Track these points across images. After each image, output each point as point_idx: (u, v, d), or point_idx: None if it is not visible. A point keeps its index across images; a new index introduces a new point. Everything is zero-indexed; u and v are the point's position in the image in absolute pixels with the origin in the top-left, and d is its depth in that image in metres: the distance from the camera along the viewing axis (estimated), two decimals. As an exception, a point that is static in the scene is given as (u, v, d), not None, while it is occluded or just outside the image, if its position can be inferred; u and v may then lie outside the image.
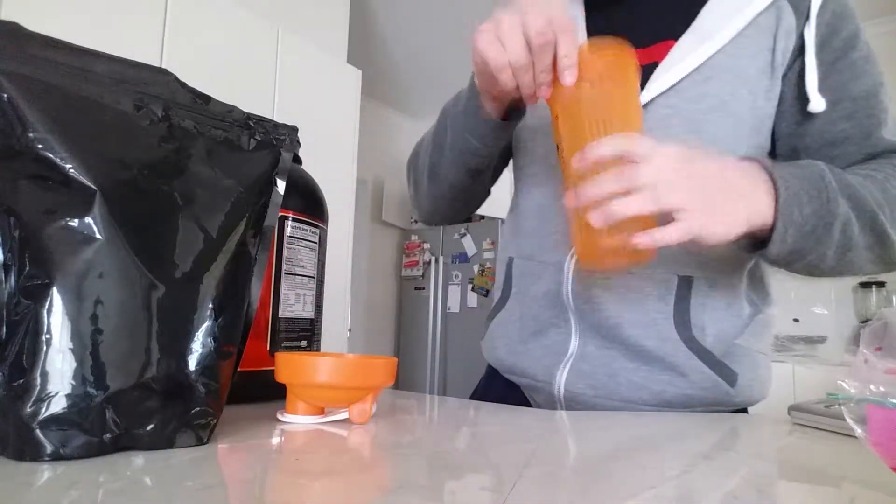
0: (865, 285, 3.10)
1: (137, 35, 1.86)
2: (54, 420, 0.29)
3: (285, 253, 0.56)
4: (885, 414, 0.25)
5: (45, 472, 0.27)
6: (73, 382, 0.30)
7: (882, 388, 0.25)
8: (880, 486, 0.30)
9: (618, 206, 0.45)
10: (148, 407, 0.32)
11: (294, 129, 0.43)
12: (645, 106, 0.60)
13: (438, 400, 0.64)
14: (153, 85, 0.36)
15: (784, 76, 0.60)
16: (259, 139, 0.41)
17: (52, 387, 0.29)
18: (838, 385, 0.27)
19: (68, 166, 0.31)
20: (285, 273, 0.55)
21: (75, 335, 0.30)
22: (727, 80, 0.58)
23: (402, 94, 4.45)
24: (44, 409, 0.29)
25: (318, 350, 0.61)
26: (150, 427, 0.32)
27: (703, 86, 0.58)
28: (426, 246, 4.28)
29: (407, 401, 0.61)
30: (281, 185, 0.41)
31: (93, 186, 0.31)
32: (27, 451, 0.29)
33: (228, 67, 2.10)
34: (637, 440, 0.40)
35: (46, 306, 0.30)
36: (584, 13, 0.68)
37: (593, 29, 0.66)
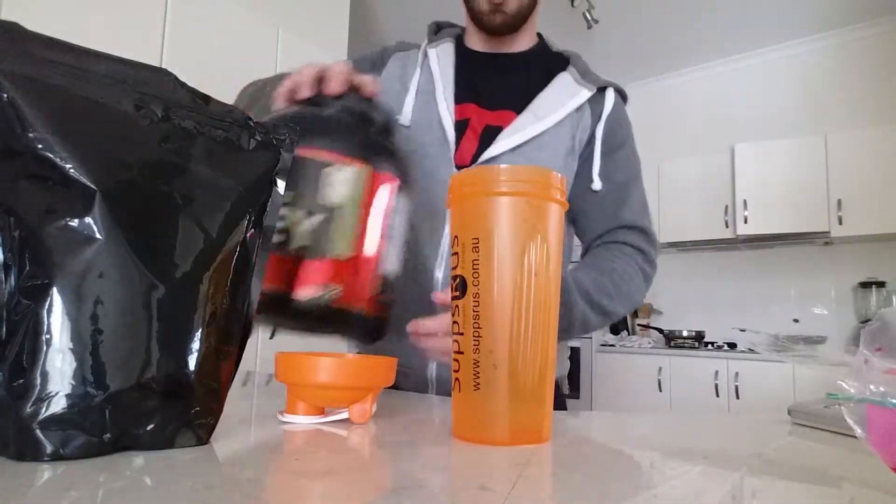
0: (865, 285, 3.10)
1: (137, 35, 1.86)
2: (54, 420, 0.29)
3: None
4: (885, 414, 0.25)
5: (45, 472, 0.27)
6: (73, 382, 0.30)
7: (882, 388, 0.25)
8: (880, 486, 0.30)
9: None
10: (148, 407, 0.32)
11: (294, 130, 0.43)
12: (494, 158, 0.79)
13: (438, 400, 0.64)
14: (153, 85, 0.36)
15: (580, 158, 0.83)
16: (259, 139, 0.41)
17: (52, 387, 0.29)
18: (838, 385, 0.27)
19: (68, 166, 0.31)
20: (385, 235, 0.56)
21: (75, 335, 0.30)
22: (549, 154, 0.81)
23: (402, 94, 4.44)
24: (44, 409, 0.29)
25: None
26: (150, 427, 0.32)
27: (534, 153, 0.80)
28: (426, 246, 4.27)
29: (407, 401, 0.61)
30: (281, 185, 0.41)
31: (93, 186, 0.31)
32: (27, 451, 0.29)
33: (228, 67, 2.10)
34: (637, 440, 0.40)
35: (46, 306, 0.30)
36: (454, 69, 0.86)
37: (459, 86, 0.85)
